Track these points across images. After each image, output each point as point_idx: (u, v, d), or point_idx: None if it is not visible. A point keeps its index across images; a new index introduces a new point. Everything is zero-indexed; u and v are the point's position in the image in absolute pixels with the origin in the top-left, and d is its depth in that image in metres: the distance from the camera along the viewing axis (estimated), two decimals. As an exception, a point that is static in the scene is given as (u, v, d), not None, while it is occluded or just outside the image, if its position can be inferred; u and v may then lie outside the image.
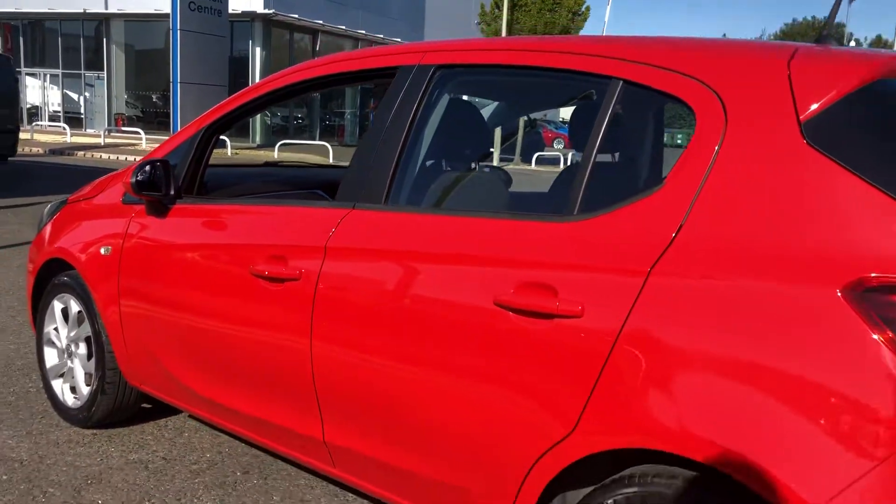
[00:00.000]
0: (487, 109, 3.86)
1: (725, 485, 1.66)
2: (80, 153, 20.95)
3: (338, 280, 2.35)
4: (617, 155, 2.22)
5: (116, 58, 29.45)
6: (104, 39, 29.17)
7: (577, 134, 2.42)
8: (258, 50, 27.90)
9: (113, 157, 20.35)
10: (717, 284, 1.70)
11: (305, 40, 31.25)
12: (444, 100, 2.50)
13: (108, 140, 24.61)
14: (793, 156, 1.71)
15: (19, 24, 30.99)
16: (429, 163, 2.52)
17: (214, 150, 3.05)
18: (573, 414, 1.85)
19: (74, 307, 3.43)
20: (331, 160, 20.12)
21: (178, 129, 3.21)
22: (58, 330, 3.56)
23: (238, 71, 28.10)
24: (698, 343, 1.69)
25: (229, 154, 21.68)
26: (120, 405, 3.38)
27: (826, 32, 2.28)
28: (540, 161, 26.36)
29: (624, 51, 2.05)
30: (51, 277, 3.57)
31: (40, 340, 3.66)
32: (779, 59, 1.82)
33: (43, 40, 31.40)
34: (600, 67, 2.06)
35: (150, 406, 3.63)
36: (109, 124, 28.12)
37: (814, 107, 1.72)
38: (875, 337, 1.51)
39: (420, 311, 2.15)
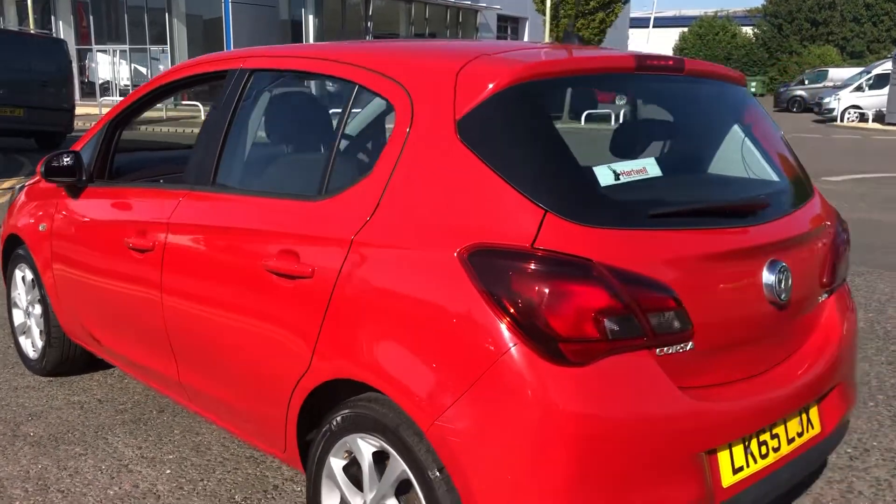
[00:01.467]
0: None
1: (394, 405, 2.14)
2: (142, 127, 22.08)
3: (174, 250, 2.89)
4: (352, 146, 2.66)
5: (178, 31, 30.57)
6: (166, 13, 30.27)
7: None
8: (311, 17, 28.54)
9: (172, 129, 21.39)
10: (391, 251, 2.16)
11: (359, 5, 31.76)
12: (263, 97, 2.99)
13: (170, 114, 25.76)
14: (448, 149, 2.13)
15: (89, 2, 32.40)
16: (244, 150, 3.01)
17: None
18: (310, 350, 2.34)
19: (28, 275, 4.08)
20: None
21: None
22: (20, 294, 4.23)
23: (294, 38, 28.88)
24: (375, 294, 2.16)
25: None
26: (67, 356, 4.02)
27: (569, 30, 2.67)
28: (590, 119, 25.88)
29: (359, 58, 2.49)
30: (13, 249, 4.23)
31: (9, 302, 4.34)
32: (455, 64, 2.23)
33: (112, 17, 32.78)
34: (347, 73, 2.51)
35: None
36: (175, 98, 29.31)
37: (464, 108, 2.14)
38: (473, 287, 1.95)
39: (220, 273, 2.67)
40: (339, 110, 2.58)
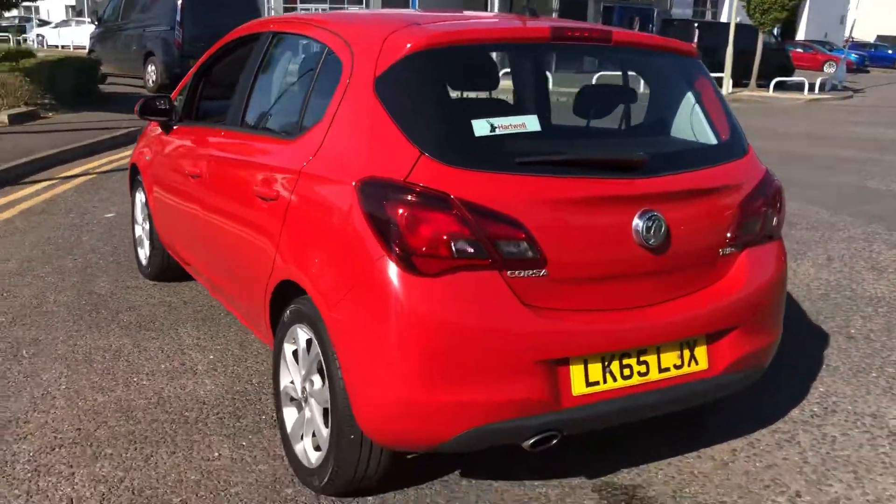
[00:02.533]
0: None
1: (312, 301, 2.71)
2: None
3: (211, 177, 3.61)
4: (319, 96, 3.18)
5: (374, -10, 32.12)
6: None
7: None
8: (496, -19, 29.00)
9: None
10: (321, 180, 2.72)
11: (547, -32, 31.73)
12: (278, 54, 3.61)
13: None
14: (365, 100, 2.65)
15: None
16: (260, 97, 3.64)
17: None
18: (273, 257, 2.96)
19: (143, 197, 5.01)
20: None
21: None
22: (137, 212, 5.19)
23: (483, 3, 29.50)
24: (307, 213, 2.74)
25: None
26: (166, 265, 4.92)
27: (526, 5, 3.08)
28: (781, 87, 24.50)
29: (333, 24, 3.04)
30: (135, 176, 5.19)
31: (132, 220, 5.32)
32: (386, 31, 2.72)
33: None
34: (322, 36, 3.07)
35: (199, 270, 5.14)
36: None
37: (382, 67, 2.63)
38: (360, 210, 2.47)
39: (233, 194, 3.36)
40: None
